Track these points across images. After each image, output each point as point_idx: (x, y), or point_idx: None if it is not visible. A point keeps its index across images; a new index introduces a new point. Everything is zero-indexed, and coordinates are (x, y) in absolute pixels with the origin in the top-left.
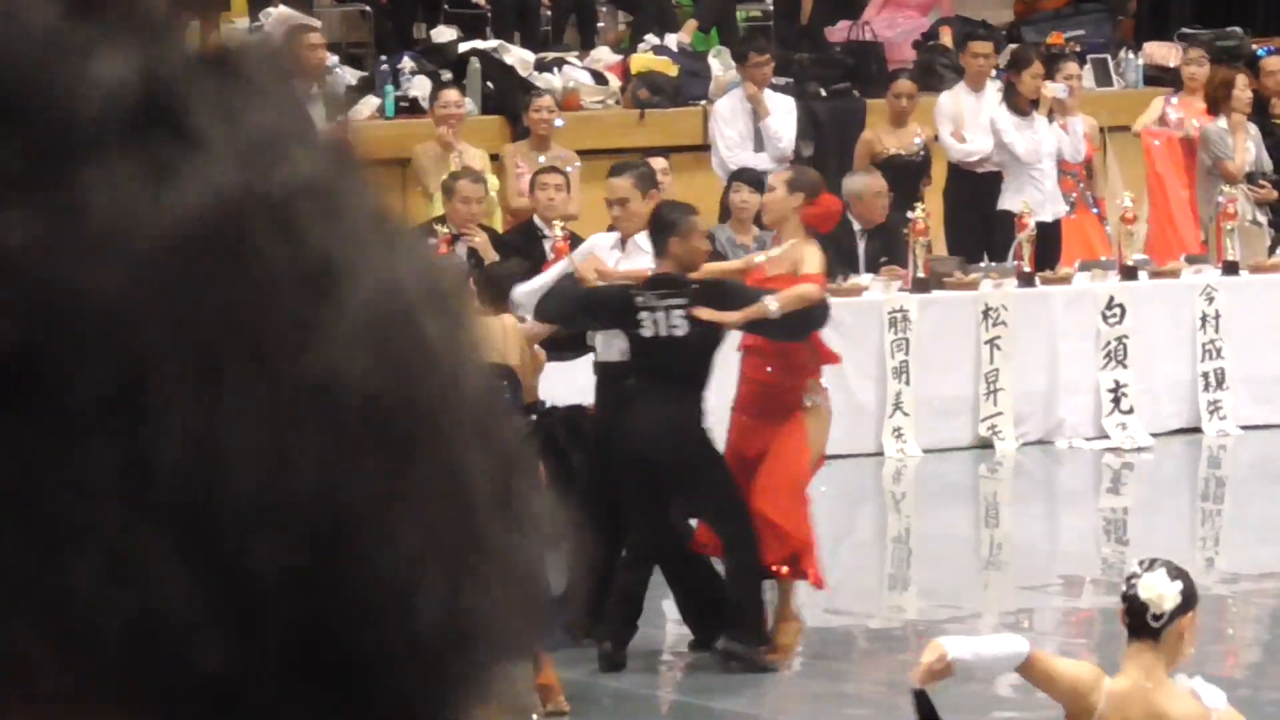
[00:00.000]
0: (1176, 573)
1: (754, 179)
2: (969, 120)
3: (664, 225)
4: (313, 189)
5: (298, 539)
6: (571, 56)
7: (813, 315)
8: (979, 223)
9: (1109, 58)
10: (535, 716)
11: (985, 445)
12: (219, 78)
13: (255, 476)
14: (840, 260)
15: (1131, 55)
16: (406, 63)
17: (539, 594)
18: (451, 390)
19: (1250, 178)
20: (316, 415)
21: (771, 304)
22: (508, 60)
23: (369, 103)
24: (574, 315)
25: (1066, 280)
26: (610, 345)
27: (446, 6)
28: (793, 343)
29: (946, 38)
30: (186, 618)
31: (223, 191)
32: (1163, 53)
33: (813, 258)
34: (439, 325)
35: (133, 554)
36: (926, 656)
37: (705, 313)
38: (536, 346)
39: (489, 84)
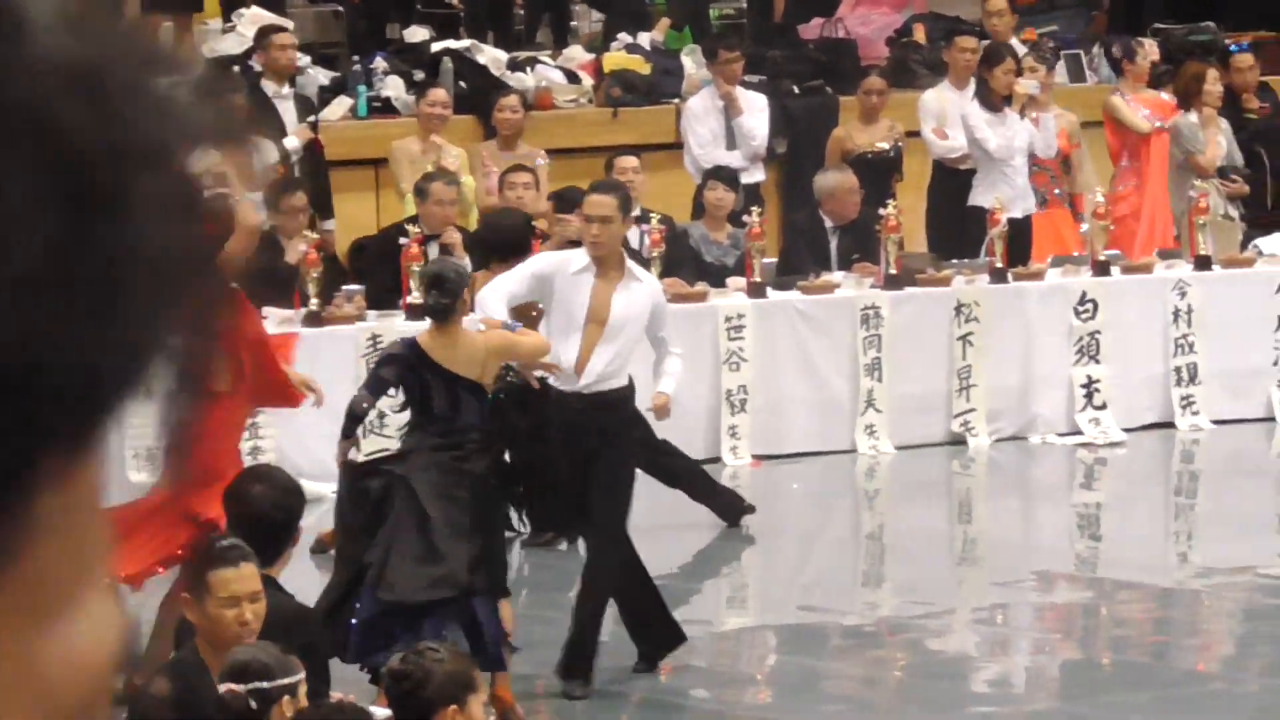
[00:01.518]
0: None
1: (729, 177)
2: (952, 117)
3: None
4: None
5: None
6: (544, 55)
7: None
8: (960, 219)
9: (1082, 53)
10: None
11: (958, 442)
12: None
13: None
14: (812, 257)
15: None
16: (379, 63)
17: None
18: None
19: (1222, 172)
20: None
21: None
22: (480, 60)
23: (341, 103)
24: None
25: (1039, 276)
26: None
27: (420, 6)
28: None
29: (920, 34)
30: None
31: None
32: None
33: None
34: None
35: None
36: None
37: None
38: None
39: (462, 84)
